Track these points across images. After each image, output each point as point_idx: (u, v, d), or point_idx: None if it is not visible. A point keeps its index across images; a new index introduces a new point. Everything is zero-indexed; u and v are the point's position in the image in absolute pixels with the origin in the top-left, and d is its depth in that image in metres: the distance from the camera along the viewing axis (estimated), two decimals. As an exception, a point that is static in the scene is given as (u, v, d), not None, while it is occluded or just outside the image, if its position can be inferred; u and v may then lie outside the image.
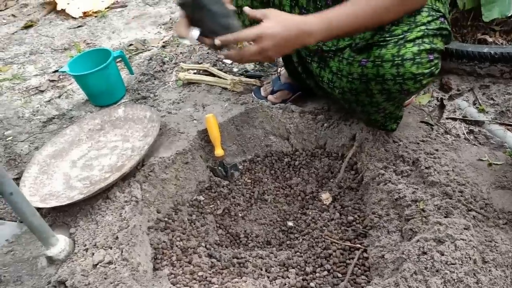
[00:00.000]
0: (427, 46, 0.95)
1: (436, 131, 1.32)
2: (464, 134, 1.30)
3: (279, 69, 1.75)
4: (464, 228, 0.94)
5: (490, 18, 1.47)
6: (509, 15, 1.45)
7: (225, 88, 1.63)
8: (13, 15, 2.61)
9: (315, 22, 0.94)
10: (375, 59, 1.00)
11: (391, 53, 0.97)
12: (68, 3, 2.56)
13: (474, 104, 1.40)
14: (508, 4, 1.46)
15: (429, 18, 0.98)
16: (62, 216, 1.21)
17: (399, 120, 1.25)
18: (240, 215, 1.33)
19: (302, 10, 1.15)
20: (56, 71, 1.95)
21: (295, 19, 0.95)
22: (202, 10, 0.96)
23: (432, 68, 0.97)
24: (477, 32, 1.61)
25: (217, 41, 0.95)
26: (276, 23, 0.92)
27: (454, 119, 1.36)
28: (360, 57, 1.04)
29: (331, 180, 1.35)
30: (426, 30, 0.97)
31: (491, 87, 1.43)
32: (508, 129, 1.28)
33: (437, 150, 1.20)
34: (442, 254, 0.89)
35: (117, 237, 1.08)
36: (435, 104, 1.43)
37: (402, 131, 1.30)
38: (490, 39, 1.54)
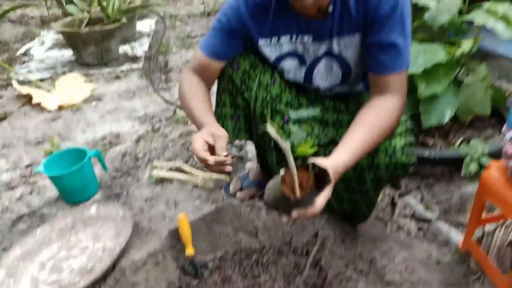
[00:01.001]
0: (408, 140, 1.14)
1: (390, 227, 1.45)
2: (414, 231, 1.43)
3: (247, 166, 1.89)
4: (419, 329, 1.03)
5: (428, 125, 1.70)
6: (444, 123, 1.69)
7: (197, 185, 1.72)
8: (-14, 107, 2.68)
9: (346, 164, 0.98)
10: None
11: (384, 145, 1.12)
12: (43, 96, 2.67)
13: (421, 201, 1.57)
14: (443, 113, 1.71)
15: (405, 118, 1.19)
16: (27, 325, 1.18)
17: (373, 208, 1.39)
18: (210, 316, 1.34)
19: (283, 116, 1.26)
20: (29, 166, 1.98)
21: (339, 169, 0.96)
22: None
23: (413, 158, 1.14)
24: (419, 135, 1.83)
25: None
26: (334, 182, 0.94)
27: (405, 216, 1.50)
28: None
29: (298, 277, 1.41)
30: (405, 126, 1.17)
31: (435, 186, 1.62)
32: (451, 226, 1.43)
33: (391, 248, 1.32)
34: None
35: None
36: (388, 202, 1.58)
37: (360, 228, 1.42)
38: (430, 143, 1.76)
